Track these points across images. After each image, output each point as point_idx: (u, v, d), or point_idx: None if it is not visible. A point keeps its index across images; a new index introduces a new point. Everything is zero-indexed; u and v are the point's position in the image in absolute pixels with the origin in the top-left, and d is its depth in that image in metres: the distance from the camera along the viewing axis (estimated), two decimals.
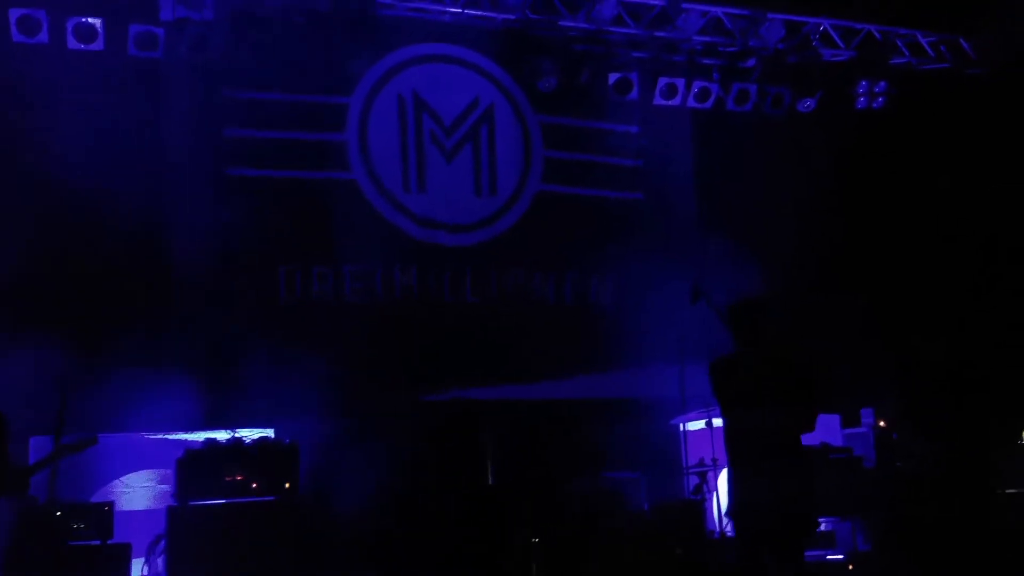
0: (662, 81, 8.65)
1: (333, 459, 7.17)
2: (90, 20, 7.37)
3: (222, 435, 6.78)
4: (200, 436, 6.84)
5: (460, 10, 8.25)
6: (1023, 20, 8.42)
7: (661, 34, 8.52)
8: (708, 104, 8.80)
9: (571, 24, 8.36)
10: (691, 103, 8.79)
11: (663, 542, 6.40)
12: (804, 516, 4.90)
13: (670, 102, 8.76)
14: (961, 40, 9.08)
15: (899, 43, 8.95)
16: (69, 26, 7.35)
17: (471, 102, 8.66)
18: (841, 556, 7.23)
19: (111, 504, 6.41)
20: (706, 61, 8.74)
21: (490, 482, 7.17)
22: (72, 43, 7.39)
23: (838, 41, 8.82)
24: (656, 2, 8.41)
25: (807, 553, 7.17)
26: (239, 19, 7.57)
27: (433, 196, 8.44)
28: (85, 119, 7.21)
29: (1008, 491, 7.12)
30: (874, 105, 8.81)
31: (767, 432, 4.71)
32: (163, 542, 6.45)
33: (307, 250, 7.97)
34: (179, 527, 6.32)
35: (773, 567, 4.78)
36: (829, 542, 7.40)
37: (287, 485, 6.61)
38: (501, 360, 8.18)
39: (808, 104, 8.76)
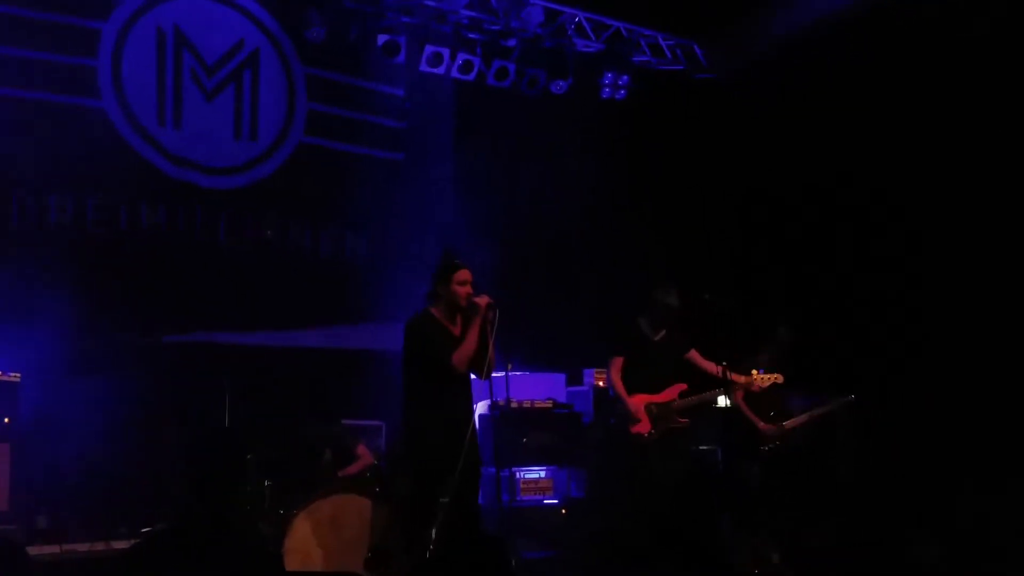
0: (428, 49, 7.97)
1: (61, 394, 6.27)
2: None
3: None
4: None
5: None
6: (751, 36, 8.50)
7: (430, 3, 7.89)
8: (470, 76, 8.25)
9: None
10: (455, 74, 8.18)
11: (392, 483, 6.01)
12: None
13: (435, 70, 8.12)
14: (695, 46, 9.13)
15: (643, 42, 8.86)
16: None
17: (235, 43, 7.62)
18: (556, 501, 7.19)
19: None
20: (471, 35, 8.18)
21: (226, 424, 6.43)
22: None
23: (590, 33, 8.61)
24: None
25: (524, 499, 7.17)
26: None
27: (189, 134, 7.37)
28: None
29: (701, 448, 7.43)
30: (617, 96, 8.65)
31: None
32: None
33: (46, 176, 6.75)
34: None
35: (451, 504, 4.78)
36: (546, 489, 7.24)
37: (6, 420, 5.88)
38: (250, 306, 7.38)
39: (560, 86, 8.46)
